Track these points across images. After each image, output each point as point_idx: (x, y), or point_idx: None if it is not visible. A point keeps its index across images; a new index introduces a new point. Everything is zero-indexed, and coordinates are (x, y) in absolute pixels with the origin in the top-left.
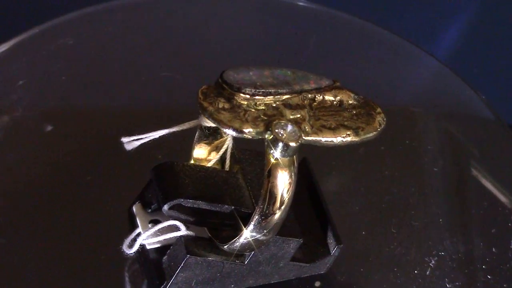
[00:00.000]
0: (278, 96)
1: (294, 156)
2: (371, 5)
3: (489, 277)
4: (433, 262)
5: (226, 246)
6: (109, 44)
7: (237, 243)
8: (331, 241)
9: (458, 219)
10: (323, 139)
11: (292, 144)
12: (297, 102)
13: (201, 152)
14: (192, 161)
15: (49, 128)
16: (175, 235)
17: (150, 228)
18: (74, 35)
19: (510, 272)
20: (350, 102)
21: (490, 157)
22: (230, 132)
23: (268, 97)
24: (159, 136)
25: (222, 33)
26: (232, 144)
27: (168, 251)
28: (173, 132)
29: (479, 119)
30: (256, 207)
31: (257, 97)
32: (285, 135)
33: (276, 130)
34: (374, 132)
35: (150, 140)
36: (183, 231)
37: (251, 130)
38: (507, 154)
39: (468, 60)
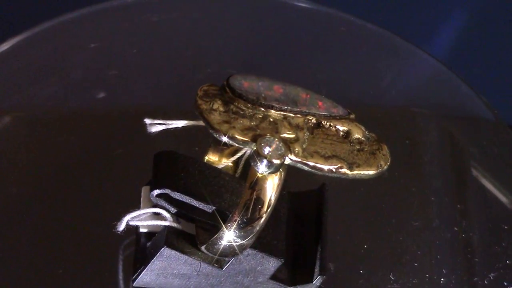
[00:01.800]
0: (281, 112)
1: (280, 170)
2: (371, 6)
3: (489, 276)
4: (433, 262)
5: (203, 246)
6: (109, 44)
7: (212, 245)
8: (316, 269)
9: (458, 219)
10: (311, 163)
11: (275, 161)
12: (298, 123)
13: (215, 154)
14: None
15: (49, 127)
16: (161, 224)
17: (136, 210)
18: (74, 35)
19: (510, 272)
20: (358, 136)
21: (490, 157)
22: (214, 135)
23: (270, 110)
24: (182, 127)
25: (222, 33)
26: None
27: (153, 238)
28: (197, 126)
29: (479, 119)
30: (233, 212)
31: (257, 107)
32: (269, 151)
33: (262, 145)
34: (371, 172)
35: (172, 128)
36: (168, 221)
37: (236, 137)
38: (507, 154)
39: (468, 60)
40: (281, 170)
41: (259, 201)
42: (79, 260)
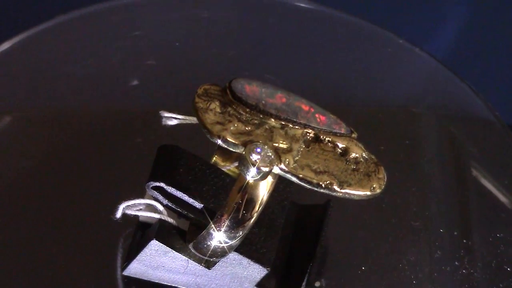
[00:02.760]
0: (279, 121)
1: (271, 178)
2: (371, 6)
3: (489, 276)
4: (432, 261)
5: (190, 244)
6: (108, 43)
7: (197, 243)
8: (303, 285)
9: (458, 219)
10: (300, 176)
11: (264, 168)
12: (295, 134)
13: (222, 156)
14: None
15: (48, 127)
16: (154, 216)
17: (133, 199)
18: (73, 35)
19: (510, 272)
20: (356, 156)
21: (490, 157)
22: (206, 134)
23: (268, 118)
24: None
25: (222, 33)
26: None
27: (148, 229)
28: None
29: (479, 119)
30: (217, 214)
31: (255, 113)
32: (257, 158)
33: (250, 151)
34: (362, 193)
35: (187, 123)
36: (162, 215)
37: (227, 140)
38: (506, 154)
39: (468, 60)
40: (272, 177)
41: (246, 206)
42: (81, 251)
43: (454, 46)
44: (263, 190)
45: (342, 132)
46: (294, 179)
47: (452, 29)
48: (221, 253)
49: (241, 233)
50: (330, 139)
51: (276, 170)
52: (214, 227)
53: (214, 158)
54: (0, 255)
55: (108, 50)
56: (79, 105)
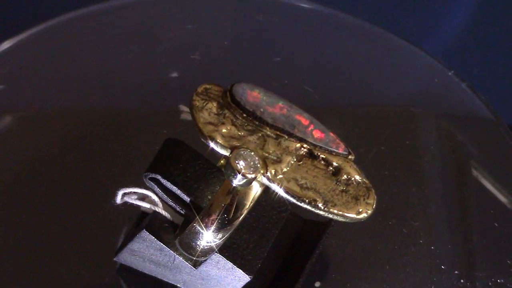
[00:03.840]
0: (274, 131)
1: (257, 184)
2: (371, 6)
3: (489, 276)
4: (433, 262)
5: (176, 239)
6: (108, 43)
7: (181, 239)
8: None
9: (458, 219)
10: (285, 188)
11: (248, 175)
12: (288, 146)
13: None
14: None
15: (48, 127)
16: (149, 207)
17: (132, 188)
18: (74, 34)
19: (510, 272)
20: (348, 177)
21: (490, 157)
22: (198, 133)
23: (264, 127)
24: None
25: (222, 33)
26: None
27: (143, 220)
28: None
29: (479, 119)
30: (201, 214)
31: (251, 120)
32: (241, 164)
33: (235, 156)
34: (346, 214)
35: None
36: (157, 207)
37: (217, 141)
38: (506, 154)
39: (468, 60)
40: (259, 185)
41: (228, 209)
42: (85, 235)
43: (454, 46)
44: (249, 196)
45: (339, 151)
46: (278, 190)
47: (452, 29)
48: (201, 253)
49: (221, 236)
50: (324, 157)
51: (260, 178)
52: (196, 225)
53: (221, 161)
54: (2, 240)
55: (109, 49)
56: (80, 104)
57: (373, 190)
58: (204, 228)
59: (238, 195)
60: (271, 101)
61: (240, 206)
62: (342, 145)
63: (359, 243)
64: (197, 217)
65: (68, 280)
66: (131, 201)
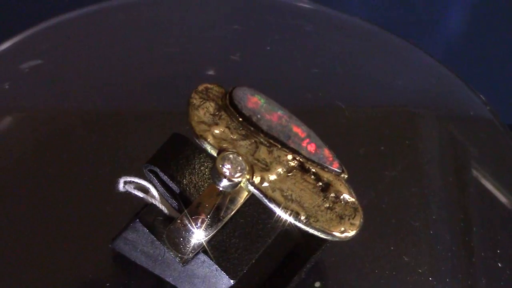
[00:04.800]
0: (267, 139)
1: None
2: (370, 5)
3: (489, 276)
4: (433, 262)
5: (165, 233)
6: (108, 43)
7: (169, 233)
8: None
9: (458, 219)
10: (268, 198)
11: (234, 179)
12: (280, 156)
13: None
14: None
15: (48, 126)
16: (146, 198)
17: (132, 177)
18: (73, 34)
19: (510, 272)
20: (336, 195)
21: (490, 157)
22: (191, 131)
23: (258, 133)
24: None
25: (222, 33)
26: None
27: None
28: None
29: (479, 119)
30: (186, 211)
31: (247, 124)
32: (226, 167)
33: (221, 159)
34: (328, 232)
35: None
36: (154, 199)
37: (208, 141)
38: (506, 154)
39: (467, 60)
40: (244, 190)
41: (213, 211)
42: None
43: (454, 46)
44: (235, 199)
45: (332, 168)
46: (262, 198)
47: (452, 29)
48: (185, 250)
49: (203, 236)
50: (315, 171)
51: (246, 184)
52: (180, 222)
53: None
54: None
55: (110, 49)
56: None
57: (361, 212)
58: (187, 226)
59: (224, 197)
60: (270, 108)
61: (224, 208)
62: (336, 163)
63: (359, 243)
64: (182, 214)
65: (63, 263)
66: (130, 190)
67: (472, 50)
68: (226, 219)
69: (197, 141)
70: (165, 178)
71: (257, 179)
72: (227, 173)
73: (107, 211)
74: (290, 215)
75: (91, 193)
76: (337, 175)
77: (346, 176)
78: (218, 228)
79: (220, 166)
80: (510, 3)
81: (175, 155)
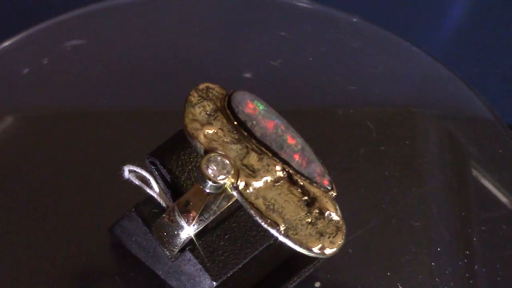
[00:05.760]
0: (259, 146)
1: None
2: (370, 5)
3: (489, 276)
4: (433, 262)
5: (154, 224)
6: (110, 42)
7: (156, 226)
8: None
9: (458, 219)
10: (250, 203)
11: (216, 182)
12: (269, 164)
13: None
14: None
15: (48, 127)
16: (145, 190)
17: (135, 167)
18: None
19: (510, 272)
20: (321, 212)
21: (490, 157)
22: (184, 128)
23: (250, 139)
24: None
25: (222, 33)
26: None
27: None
28: None
29: (479, 119)
30: (170, 206)
31: (241, 129)
32: (211, 168)
33: (206, 160)
34: (305, 246)
35: None
36: (153, 191)
37: (198, 140)
38: (506, 154)
39: (468, 59)
40: (229, 193)
41: (193, 209)
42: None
43: (454, 46)
44: (219, 201)
45: (322, 183)
46: (243, 203)
47: (452, 29)
48: (168, 245)
49: (185, 234)
50: (303, 184)
51: (230, 188)
52: (165, 217)
53: None
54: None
55: (110, 49)
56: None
57: (343, 231)
58: (169, 222)
59: (208, 197)
60: (267, 116)
61: (208, 209)
62: (327, 180)
63: (359, 243)
64: (168, 209)
65: (61, 244)
66: (132, 180)
67: (472, 50)
68: (208, 220)
69: (188, 138)
70: (164, 171)
71: (241, 184)
72: (211, 174)
73: (112, 198)
74: (269, 224)
75: (96, 180)
76: (326, 191)
77: (334, 194)
78: (200, 228)
79: (205, 166)
80: (510, 3)
81: (179, 150)
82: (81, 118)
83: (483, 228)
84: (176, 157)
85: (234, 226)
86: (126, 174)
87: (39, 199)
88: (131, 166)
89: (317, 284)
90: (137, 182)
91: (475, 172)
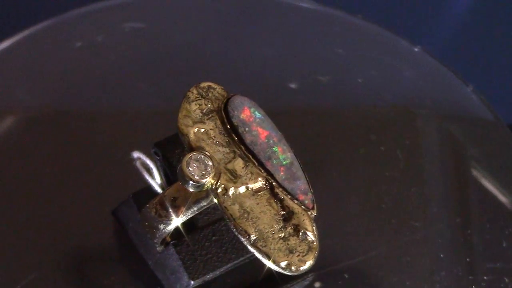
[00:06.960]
0: (247, 153)
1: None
2: (370, 5)
3: (489, 276)
4: (433, 262)
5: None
6: (110, 42)
7: (141, 215)
8: None
9: (458, 219)
10: (225, 207)
11: (196, 182)
12: (253, 173)
13: None
14: None
15: (48, 127)
16: (146, 177)
17: (142, 154)
18: (72, 34)
19: (510, 272)
20: (296, 229)
21: (490, 157)
22: (176, 124)
23: (239, 145)
24: None
25: (221, 33)
26: None
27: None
28: None
29: (478, 119)
30: (155, 199)
31: (232, 133)
32: (191, 167)
33: (188, 159)
34: (272, 260)
35: None
36: (153, 181)
37: (187, 136)
38: (506, 154)
39: (467, 59)
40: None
41: (172, 205)
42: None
43: (454, 46)
44: (200, 201)
45: (303, 201)
46: (219, 206)
47: (452, 28)
48: (151, 236)
49: (163, 228)
50: (283, 199)
51: (209, 189)
52: (148, 209)
53: None
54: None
55: (110, 49)
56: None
57: (315, 253)
58: (151, 214)
59: (187, 194)
60: (262, 125)
61: (186, 207)
62: (309, 199)
63: (358, 243)
64: (151, 201)
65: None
66: (138, 166)
67: (472, 49)
68: (186, 218)
69: (179, 134)
70: (166, 164)
71: (220, 187)
72: (190, 173)
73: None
74: (239, 232)
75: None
76: (305, 210)
77: (314, 214)
78: (178, 224)
79: (185, 164)
80: (510, 3)
81: (183, 145)
82: (81, 117)
83: (483, 228)
84: (180, 151)
85: (223, 230)
86: (135, 158)
87: (39, 196)
88: (137, 152)
89: (317, 284)
90: (140, 169)
91: (475, 172)
